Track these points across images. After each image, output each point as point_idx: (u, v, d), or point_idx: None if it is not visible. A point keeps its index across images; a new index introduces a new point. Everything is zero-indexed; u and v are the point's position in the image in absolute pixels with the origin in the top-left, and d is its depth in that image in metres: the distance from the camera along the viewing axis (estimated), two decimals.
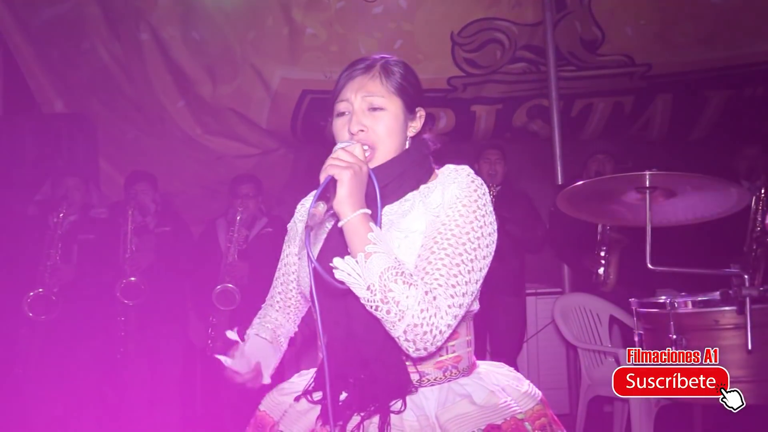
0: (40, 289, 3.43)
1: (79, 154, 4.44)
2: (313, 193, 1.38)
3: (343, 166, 1.22)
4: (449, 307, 1.20)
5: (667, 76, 4.96)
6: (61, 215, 3.53)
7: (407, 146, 1.43)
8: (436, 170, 1.45)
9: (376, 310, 1.18)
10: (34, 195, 4.09)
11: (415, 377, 1.31)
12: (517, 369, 4.45)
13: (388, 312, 1.17)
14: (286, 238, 1.62)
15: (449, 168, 1.41)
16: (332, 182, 1.22)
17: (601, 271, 3.74)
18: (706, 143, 5.44)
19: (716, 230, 3.05)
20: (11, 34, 4.54)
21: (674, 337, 2.23)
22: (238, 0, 4.47)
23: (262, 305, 1.66)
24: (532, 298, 4.48)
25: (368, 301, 1.18)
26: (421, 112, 1.46)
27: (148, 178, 4.08)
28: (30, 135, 4.38)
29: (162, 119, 4.94)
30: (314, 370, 1.46)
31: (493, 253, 1.33)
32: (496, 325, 4.09)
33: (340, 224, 1.24)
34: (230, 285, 3.72)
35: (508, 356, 4.15)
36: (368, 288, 1.17)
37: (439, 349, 1.29)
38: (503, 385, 1.38)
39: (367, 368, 1.29)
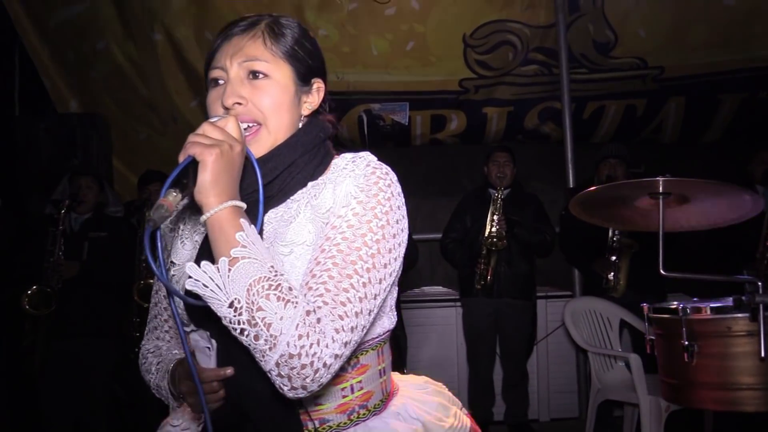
0: (34, 287, 3.46)
1: (93, 154, 4.49)
2: None
3: (207, 143, 0.93)
4: (337, 331, 0.91)
5: (680, 79, 4.94)
6: (62, 212, 3.56)
7: (299, 126, 1.12)
8: (336, 158, 1.14)
9: (241, 334, 0.89)
10: (49, 193, 4.13)
11: (311, 425, 1.05)
12: (527, 373, 4.45)
13: (256, 338, 0.88)
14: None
15: (345, 158, 1.10)
16: (193, 165, 0.94)
17: (611, 276, 3.73)
18: (720, 146, 5.41)
19: (728, 236, 3.04)
20: (27, 34, 4.59)
21: (686, 343, 2.22)
22: (251, 1, 4.49)
23: (142, 344, 1.28)
24: (542, 301, 4.47)
25: (231, 322, 0.89)
26: (318, 84, 1.15)
27: (161, 177, 4.11)
28: (45, 134, 4.43)
29: (175, 119, 4.98)
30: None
31: (401, 261, 1.04)
32: (505, 328, 4.09)
33: (201, 219, 0.94)
34: None
35: (518, 359, 4.15)
36: (231, 305, 0.88)
37: (342, 386, 1.07)
38: (424, 420, 1.12)
39: (248, 422, 1.01)
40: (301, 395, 0.91)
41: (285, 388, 0.90)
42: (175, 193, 0.92)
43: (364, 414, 1.09)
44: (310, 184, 1.08)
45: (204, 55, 4.43)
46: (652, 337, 2.47)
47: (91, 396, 3.60)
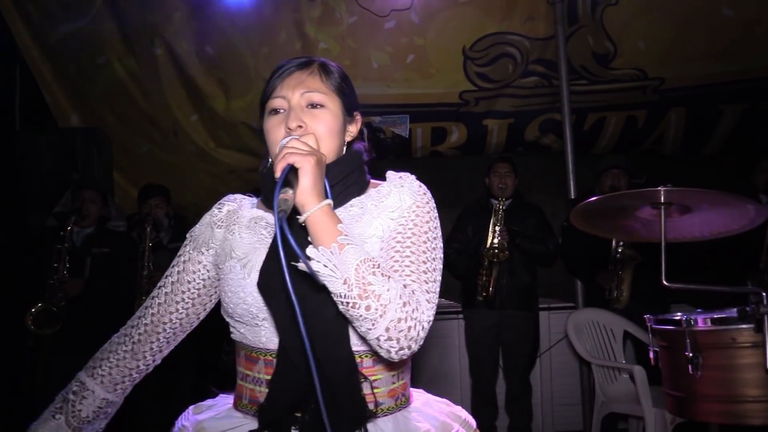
0: (39, 305, 3.44)
1: (94, 167, 4.49)
2: (238, 196, 1.42)
3: (304, 153, 1.11)
4: (427, 301, 1.12)
5: (681, 90, 4.95)
6: (68, 228, 3.54)
7: (344, 152, 1.32)
8: (371, 180, 1.36)
9: (353, 307, 1.04)
10: (50, 207, 4.12)
11: (372, 406, 1.19)
12: (530, 385, 4.42)
13: (367, 308, 1.04)
14: (191, 246, 1.39)
15: (394, 174, 1.33)
16: (291, 172, 1.10)
17: (613, 288, 3.71)
18: (721, 157, 5.40)
19: (731, 246, 3.02)
20: (29, 49, 4.62)
21: (690, 355, 2.20)
22: (252, 15, 4.51)
23: (121, 330, 1.43)
24: (545, 312, 4.44)
25: (344, 297, 1.05)
26: (358, 116, 1.36)
27: (162, 191, 4.11)
28: (46, 148, 4.44)
29: (176, 133, 4.99)
30: (237, 399, 1.30)
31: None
32: (508, 340, 4.06)
33: (302, 218, 1.10)
34: None
35: (521, 372, 4.12)
36: (345, 282, 1.04)
37: (392, 373, 1.24)
38: (446, 411, 1.31)
39: (330, 392, 1.11)
40: (405, 356, 1.09)
41: (393, 350, 1.07)
42: (291, 191, 1.08)
43: (403, 401, 1.26)
44: (372, 190, 1.30)
45: (204, 69, 4.44)
46: (656, 349, 2.45)
47: None
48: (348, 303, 1.05)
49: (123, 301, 3.66)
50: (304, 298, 1.09)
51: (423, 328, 1.09)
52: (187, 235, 1.41)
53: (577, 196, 4.23)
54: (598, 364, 3.47)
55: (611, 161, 4.01)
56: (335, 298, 1.06)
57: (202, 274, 1.35)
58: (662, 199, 2.13)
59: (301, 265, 1.05)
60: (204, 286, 1.36)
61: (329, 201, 1.12)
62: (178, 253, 1.40)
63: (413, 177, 1.32)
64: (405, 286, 1.09)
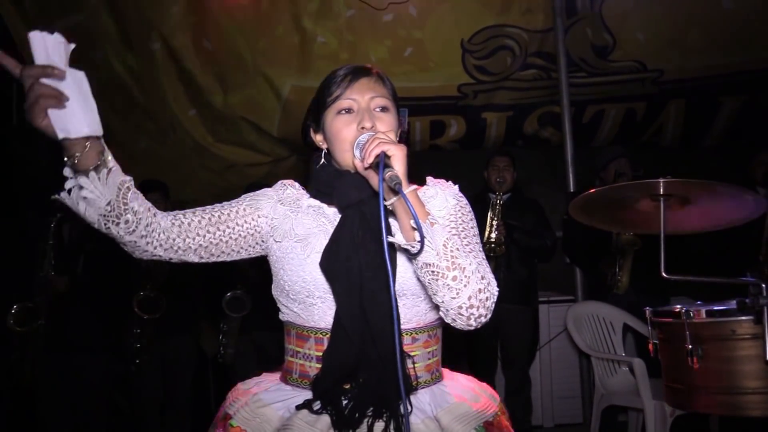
0: (15, 306, 3.41)
1: None
2: (296, 183, 1.54)
3: (395, 143, 1.24)
4: (493, 278, 1.26)
5: (680, 82, 4.93)
6: (52, 225, 3.51)
7: None
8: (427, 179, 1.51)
9: (441, 277, 1.18)
10: (47, 204, 4.10)
11: (413, 379, 1.33)
12: (529, 379, 4.41)
13: (454, 279, 1.18)
14: (247, 201, 1.46)
15: (433, 180, 1.50)
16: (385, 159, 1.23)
17: (611, 274, 3.72)
18: (721, 149, 5.39)
19: (731, 238, 3.01)
20: (25, 44, 4.59)
21: (690, 347, 2.20)
22: (249, 9, 4.49)
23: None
24: (544, 306, 4.44)
25: (434, 267, 1.18)
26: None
27: (160, 186, 4.09)
28: (44, 144, 4.41)
29: (174, 128, 4.97)
30: (284, 374, 1.42)
31: None
32: (506, 334, 4.05)
33: (394, 199, 1.23)
34: (240, 291, 3.80)
35: (520, 365, 4.12)
36: (437, 254, 1.18)
37: (429, 350, 1.39)
38: (473, 386, 1.45)
39: (381, 367, 1.25)
40: (481, 323, 1.23)
41: (473, 317, 1.21)
42: (394, 170, 1.19)
43: (437, 376, 1.41)
44: (418, 192, 1.35)
45: (202, 63, 4.39)
46: (656, 341, 2.45)
47: (89, 409, 3.56)
48: (438, 273, 1.18)
49: (118, 297, 3.65)
50: (363, 285, 1.26)
51: (494, 299, 1.23)
52: (244, 195, 1.48)
53: (577, 189, 4.22)
54: (597, 357, 3.47)
55: (618, 151, 4.00)
56: (424, 269, 1.19)
57: (253, 225, 1.42)
58: (661, 190, 2.13)
59: (392, 238, 1.18)
60: (249, 234, 1.42)
61: (416, 186, 1.26)
62: (235, 201, 1.46)
63: (450, 182, 1.49)
64: (479, 263, 1.24)
